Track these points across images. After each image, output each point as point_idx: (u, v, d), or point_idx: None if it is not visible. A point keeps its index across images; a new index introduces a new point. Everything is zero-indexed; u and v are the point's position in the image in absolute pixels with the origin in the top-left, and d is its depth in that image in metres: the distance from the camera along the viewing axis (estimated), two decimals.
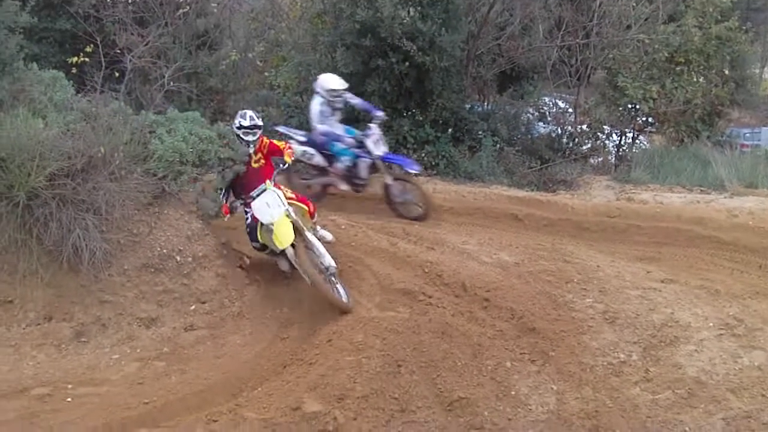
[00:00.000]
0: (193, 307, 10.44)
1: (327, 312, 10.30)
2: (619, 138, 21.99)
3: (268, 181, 11.16)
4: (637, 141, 22.48)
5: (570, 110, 22.43)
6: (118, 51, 17.59)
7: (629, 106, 21.39)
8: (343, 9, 18.62)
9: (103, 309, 10.19)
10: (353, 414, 8.23)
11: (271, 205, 10.83)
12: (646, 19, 21.34)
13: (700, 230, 13.90)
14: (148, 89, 17.80)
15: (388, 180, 14.49)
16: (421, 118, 18.75)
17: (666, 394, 8.98)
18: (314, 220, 12.03)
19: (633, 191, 17.31)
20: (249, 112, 11.93)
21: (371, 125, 14.78)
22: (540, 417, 8.65)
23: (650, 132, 23.25)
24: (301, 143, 14.76)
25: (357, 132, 14.93)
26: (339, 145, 14.64)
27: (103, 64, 15.61)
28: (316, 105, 14.72)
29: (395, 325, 9.70)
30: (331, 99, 14.77)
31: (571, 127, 21.37)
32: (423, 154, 18.30)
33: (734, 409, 8.74)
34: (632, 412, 8.73)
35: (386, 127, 18.05)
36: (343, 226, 12.82)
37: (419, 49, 17.78)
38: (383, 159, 14.52)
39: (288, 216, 10.89)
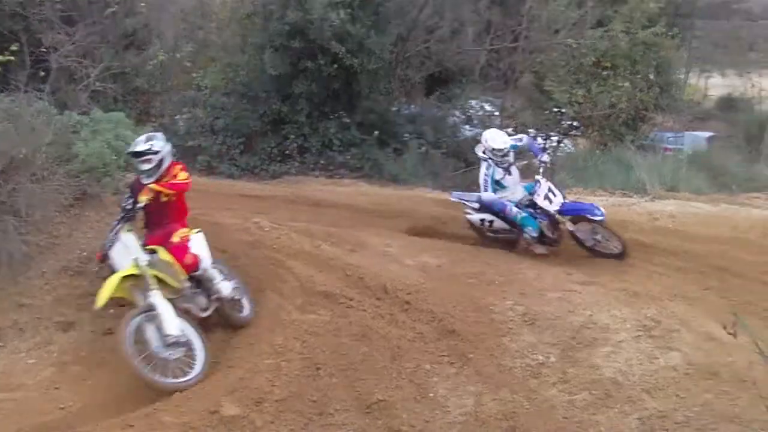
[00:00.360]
0: (111, 310, 10.29)
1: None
2: (544, 141, 22.17)
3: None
4: (561, 145, 22.68)
5: (496, 113, 22.59)
6: (44, 50, 17.38)
7: (555, 109, 21.66)
8: (273, 11, 18.64)
9: (21, 313, 10.08)
10: (271, 417, 8.20)
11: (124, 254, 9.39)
12: (574, 24, 21.66)
13: (621, 233, 14.07)
14: (73, 89, 17.58)
15: (570, 226, 13.23)
16: (348, 121, 18.81)
17: (583, 395, 9.06)
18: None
19: None
20: (146, 136, 10.00)
21: (538, 178, 13.28)
22: (458, 419, 8.69)
23: (575, 136, 23.52)
24: (477, 210, 13.54)
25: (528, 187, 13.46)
26: (516, 213, 13.12)
27: (28, 63, 15.43)
28: (484, 171, 13.07)
29: (315, 328, 9.69)
30: (499, 160, 13.15)
31: None
32: (348, 157, 18.36)
33: (649, 409, 8.83)
34: (549, 413, 8.79)
35: (312, 130, 18.08)
36: (266, 229, 12.73)
37: (348, 52, 17.86)
38: (561, 213, 13.18)
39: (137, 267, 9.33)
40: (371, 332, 9.78)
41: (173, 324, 9.10)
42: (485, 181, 13.02)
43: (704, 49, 32.81)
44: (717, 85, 32.25)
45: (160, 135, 10.04)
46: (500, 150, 13.02)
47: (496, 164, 13.07)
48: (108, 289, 9.05)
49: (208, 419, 8.07)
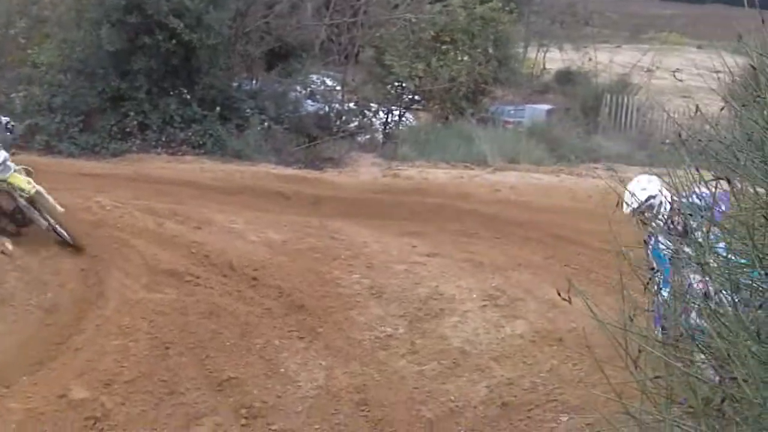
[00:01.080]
0: None
1: (94, 296, 10.10)
2: (386, 116, 22.33)
3: None
4: (403, 119, 22.86)
5: (338, 88, 22.61)
6: None
7: (396, 84, 21.82)
8: None
9: None
10: (121, 399, 8.15)
11: None
12: None
13: (463, 205, 14.33)
14: None
15: None
16: (188, 97, 18.53)
17: (432, 365, 9.23)
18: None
19: (399, 168, 17.66)
20: None
21: None
22: (309, 393, 8.76)
23: (417, 109, 23.79)
24: None
25: None
26: None
27: None
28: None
29: (162, 307, 9.66)
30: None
31: (339, 105, 21.58)
32: (190, 133, 18.09)
33: (497, 377, 9.06)
34: (399, 384, 8.94)
35: (152, 106, 17.82)
36: (108, 207, 12.53)
37: (186, 27, 17.59)
38: None
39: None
40: (219, 309, 9.78)
41: None
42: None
43: (542, 23, 33.45)
44: (555, 59, 32.95)
45: None
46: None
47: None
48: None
49: (56, 404, 7.98)
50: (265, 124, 18.91)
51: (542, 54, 33.29)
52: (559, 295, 6.79)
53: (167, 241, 11.59)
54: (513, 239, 13.07)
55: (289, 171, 16.80)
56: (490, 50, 24.25)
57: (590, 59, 30.32)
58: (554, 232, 13.20)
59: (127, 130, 17.99)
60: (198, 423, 8.17)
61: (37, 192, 10.81)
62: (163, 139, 18.03)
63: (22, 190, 10.69)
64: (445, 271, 11.22)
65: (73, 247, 11.01)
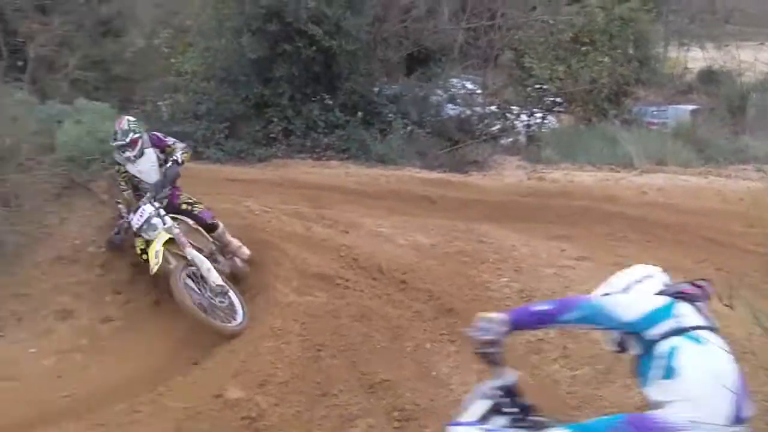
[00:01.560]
0: (108, 298, 10.28)
1: (246, 299, 10.20)
2: (528, 118, 22.16)
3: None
4: (545, 121, 22.66)
5: (478, 91, 22.54)
6: (20, 40, 17.18)
7: (537, 86, 21.62)
8: None
9: (18, 302, 10.04)
10: (276, 400, 8.15)
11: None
12: (550, 1, 21.55)
13: (610, 207, 14.06)
14: (53, 78, 17.39)
15: None
16: (330, 102, 18.68)
17: (584, 370, 9.02)
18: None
19: (544, 170, 17.48)
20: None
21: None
22: (462, 397, 8.61)
23: (558, 112, 23.52)
24: None
25: None
26: None
27: (4, 53, 15.26)
28: None
29: (313, 310, 9.66)
30: None
31: (480, 109, 21.50)
32: (334, 138, 18.25)
33: None
34: (552, 389, 8.76)
35: (295, 112, 18.01)
36: (257, 212, 12.72)
37: (325, 33, 17.73)
38: None
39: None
40: (370, 313, 9.74)
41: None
42: None
43: (680, 22, 32.85)
44: (696, 58, 32.27)
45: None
46: None
47: None
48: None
49: (212, 403, 8.04)
50: (408, 128, 18.92)
51: (683, 53, 32.64)
52: (721, 301, 6.55)
53: (316, 244, 11.64)
54: (663, 242, 12.75)
55: (434, 175, 16.76)
56: (630, 51, 23.88)
57: (733, 57, 29.60)
58: (705, 235, 12.85)
59: (272, 135, 18.22)
60: (352, 425, 8.11)
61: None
62: (308, 144, 18.21)
63: (168, 262, 9.86)
64: (594, 274, 10.92)
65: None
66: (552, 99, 22.51)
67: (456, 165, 18.12)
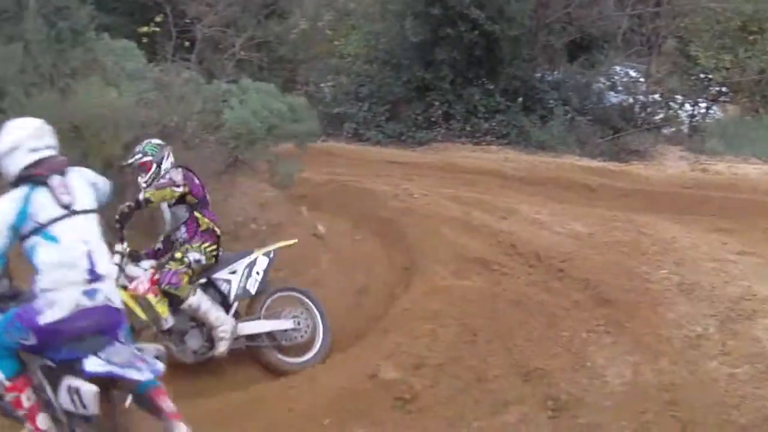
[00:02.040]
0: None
1: (403, 280, 10.30)
2: (692, 108, 21.73)
3: None
4: (710, 111, 22.17)
5: (641, 79, 22.19)
6: (188, 21, 17.66)
7: (702, 75, 21.17)
8: None
9: None
10: (430, 382, 8.20)
11: None
12: None
13: None
14: (219, 59, 17.83)
15: None
16: (491, 87, 18.71)
17: (745, 369, 8.79)
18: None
19: (707, 162, 17.16)
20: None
21: None
22: (617, 389, 8.55)
23: (724, 102, 22.96)
24: None
25: None
26: None
27: (174, 33, 15.70)
28: None
29: (471, 294, 9.66)
30: None
31: (643, 97, 21.19)
32: (494, 124, 18.29)
33: None
34: (710, 386, 8.55)
35: (456, 96, 18.05)
36: (415, 195, 12.80)
37: (488, 18, 17.71)
38: None
39: None
40: (526, 299, 9.69)
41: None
42: None
43: None
44: None
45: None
46: None
47: None
48: None
49: (367, 382, 8.12)
50: (569, 115, 18.82)
51: None
52: None
53: (474, 229, 11.67)
54: None
55: (594, 163, 16.61)
56: None
57: None
58: None
59: (432, 119, 18.37)
60: (505, 411, 8.10)
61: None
62: (467, 128, 18.29)
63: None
64: (758, 270, 10.70)
65: None
66: (717, 89, 22.00)
67: (617, 154, 17.95)
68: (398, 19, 19.26)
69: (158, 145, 8.88)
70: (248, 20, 19.15)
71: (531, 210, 12.76)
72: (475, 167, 15.86)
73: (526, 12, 18.78)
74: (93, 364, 5.44)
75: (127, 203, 8.28)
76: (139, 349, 5.84)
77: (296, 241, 9.85)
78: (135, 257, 8.56)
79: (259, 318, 8.87)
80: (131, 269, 8.42)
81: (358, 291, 10.60)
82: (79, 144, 9.83)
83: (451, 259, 10.70)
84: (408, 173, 14.73)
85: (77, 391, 5.48)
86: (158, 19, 16.49)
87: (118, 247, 8.27)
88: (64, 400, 5.60)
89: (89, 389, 5.43)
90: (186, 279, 8.40)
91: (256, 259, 9.02)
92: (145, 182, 8.69)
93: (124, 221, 8.31)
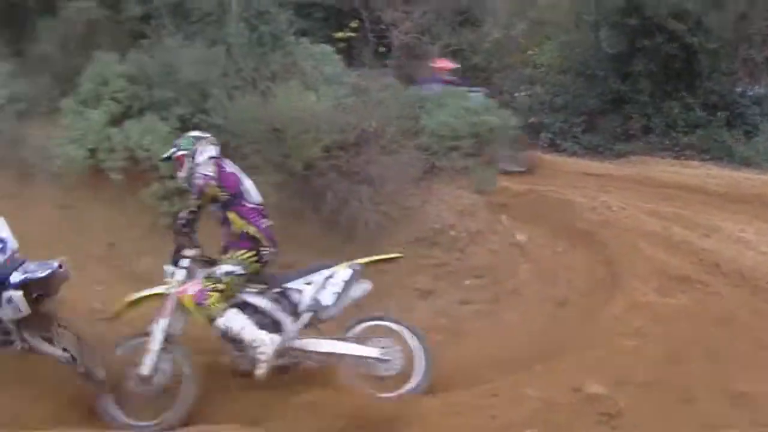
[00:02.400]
0: (468, 282, 10.48)
1: (603, 294, 10.13)
2: None
3: None
4: None
5: None
6: (383, 27, 17.85)
7: None
8: None
9: (380, 279, 10.35)
10: (634, 400, 8.03)
11: None
12: None
13: None
14: (416, 65, 17.96)
15: None
16: (690, 101, 18.30)
17: None
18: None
19: None
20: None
21: None
22: None
23: None
24: None
25: None
26: None
27: (371, 39, 15.89)
28: None
29: (674, 312, 9.43)
30: None
31: None
32: (694, 138, 17.91)
33: None
34: None
35: (655, 110, 17.73)
36: (614, 208, 12.63)
37: (687, 30, 17.35)
38: None
39: None
40: (731, 320, 9.40)
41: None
42: None
43: None
44: None
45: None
46: None
47: None
48: None
49: (571, 396, 8.00)
50: None
51: None
52: None
53: (674, 246, 11.41)
54: None
55: None
56: None
57: None
58: None
59: (630, 132, 18.13)
60: None
61: None
62: (666, 142, 18.02)
63: None
64: None
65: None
66: None
67: None
68: (593, 29, 19.13)
69: (194, 137, 8.41)
70: (442, 28, 19.27)
71: (735, 228, 12.43)
72: (674, 182, 15.53)
73: (725, 24, 18.33)
74: (15, 277, 7.17)
75: (188, 209, 8.03)
76: None
77: (401, 255, 9.41)
78: (210, 262, 8.12)
79: (343, 339, 8.27)
80: (200, 274, 8.05)
81: (559, 303, 10.48)
82: (279, 146, 10.07)
83: (651, 275, 10.47)
84: (604, 185, 14.55)
85: (10, 299, 7.13)
86: (353, 24, 16.73)
87: (188, 252, 8.05)
88: (5, 311, 7.19)
89: (17, 294, 7.11)
90: (215, 297, 7.84)
91: (336, 271, 8.44)
92: (183, 178, 8.32)
93: (190, 227, 8.07)
